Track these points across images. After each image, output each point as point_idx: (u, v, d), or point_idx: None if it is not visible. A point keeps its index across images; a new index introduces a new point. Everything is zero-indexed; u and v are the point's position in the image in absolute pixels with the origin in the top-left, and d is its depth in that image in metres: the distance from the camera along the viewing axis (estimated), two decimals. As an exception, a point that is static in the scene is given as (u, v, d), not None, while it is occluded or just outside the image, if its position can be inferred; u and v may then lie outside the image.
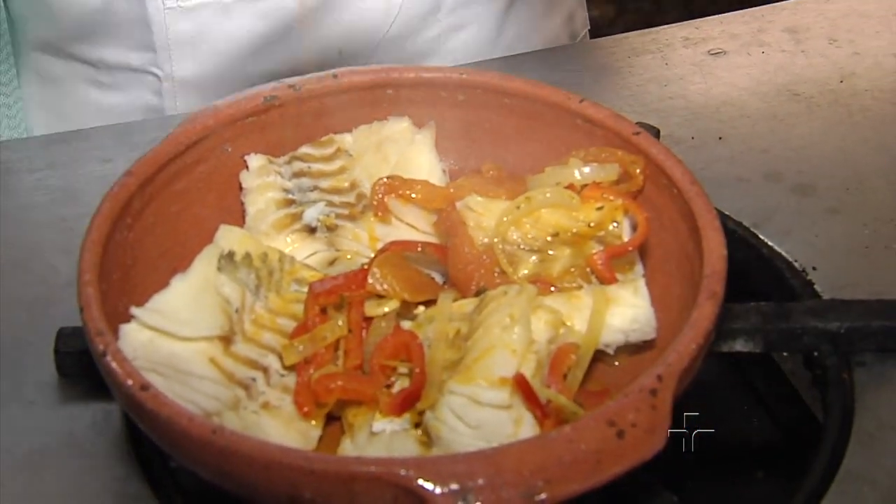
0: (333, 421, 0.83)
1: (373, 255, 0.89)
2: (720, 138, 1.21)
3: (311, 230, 0.94)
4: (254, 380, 0.82)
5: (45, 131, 1.35)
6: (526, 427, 0.76)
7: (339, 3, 1.29)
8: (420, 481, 0.65)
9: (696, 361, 0.75)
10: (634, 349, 0.86)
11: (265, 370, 0.83)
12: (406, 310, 0.87)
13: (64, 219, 1.11)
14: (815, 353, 0.92)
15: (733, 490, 0.97)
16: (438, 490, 0.65)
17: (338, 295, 0.85)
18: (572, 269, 0.88)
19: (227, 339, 0.82)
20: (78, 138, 1.24)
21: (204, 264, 0.85)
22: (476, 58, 1.39)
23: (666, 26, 1.42)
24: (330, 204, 0.95)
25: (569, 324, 0.83)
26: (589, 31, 1.62)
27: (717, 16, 1.44)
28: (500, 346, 0.78)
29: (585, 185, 0.91)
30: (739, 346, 0.91)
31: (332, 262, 0.93)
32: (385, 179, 0.94)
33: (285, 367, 0.83)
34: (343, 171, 0.97)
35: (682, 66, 1.34)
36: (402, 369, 0.82)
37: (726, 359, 0.96)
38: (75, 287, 0.79)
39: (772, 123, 1.23)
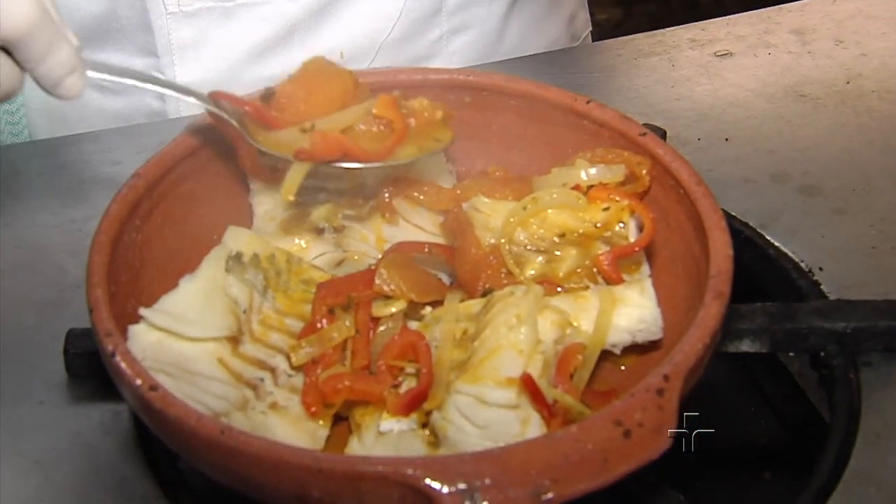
0: (341, 421, 0.84)
1: (380, 256, 0.90)
2: (727, 139, 1.21)
3: (319, 231, 0.94)
4: (262, 380, 0.83)
5: (47, 136, 1.36)
6: (533, 427, 0.76)
7: (340, 6, 1.30)
8: (427, 481, 0.65)
9: (703, 361, 0.75)
10: (641, 349, 0.86)
11: (273, 370, 0.84)
12: (413, 310, 0.87)
13: (72, 220, 1.11)
14: (822, 354, 0.92)
15: (740, 490, 0.97)
16: (446, 489, 0.65)
17: (345, 295, 0.85)
18: (579, 270, 0.89)
19: (235, 340, 0.83)
20: (86, 140, 1.25)
21: (212, 265, 0.86)
22: (478, 59, 1.39)
23: (672, 28, 1.43)
24: (337, 205, 0.95)
25: (575, 324, 0.83)
26: (595, 33, 1.62)
27: (723, 17, 1.44)
28: (507, 347, 0.78)
29: (592, 186, 0.91)
30: (746, 346, 0.91)
31: (339, 263, 0.94)
32: (392, 181, 0.94)
33: (293, 368, 0.84)
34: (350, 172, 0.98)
35: (688, 68, 1.34)
36: (410, 369, 0.82)
37: (733, 359, 0.96)
38: (84, 288, 0.79)
39: (778, 124, 1.23)
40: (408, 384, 0.81)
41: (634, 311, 0.84)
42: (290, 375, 0.84)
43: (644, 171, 0.91)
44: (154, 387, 0.73)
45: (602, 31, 1.67)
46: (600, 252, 0.89)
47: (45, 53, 0.81)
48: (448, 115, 0.94)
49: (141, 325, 0.81)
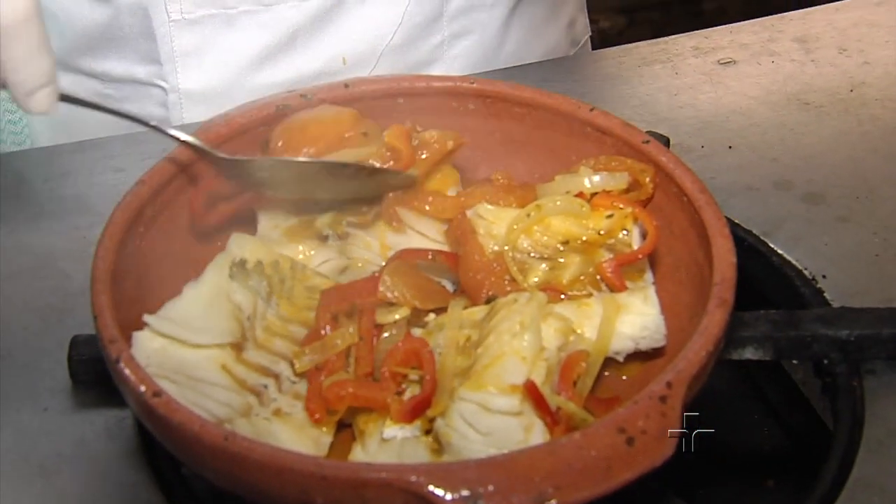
0: (344, 428, 0.84)
1: (384, 264, 0.90)
2: (730, 147, 1.21)
3: (323, 238, 0.94)
4: (265, 386, 0.83)
5: (49, 143, 1.36)
6: (536, 434, 0.76)
7: (342, 12, 1.30)
8: (431, 487, 0.65)
9: (706, 368, 0.75)
10: (644, 356, 0.86)
11: (277, 377, 0.84)
12: (417, 317, 0.87)
13: (77, 227, 1.12)
14: (825, 361, 0.92)
15: (743, 498, 0.97)
16: (449, 496, 0.65)
17: (349, 302, 0.85)
18: (582, 277, 0.89)
19: (238, 346, 0.83)
20: (91, 148, 1.25)
21: (216, 272, 0.86)
22: (479, 63, 1.40)
23: (675, 36, 1.43)
24: (341, 213, 0.95)
25: (579, 331, 0.83)
26: (598, 41, 1.62)
27: (726, 26, 1.44)
28: (511, 353, 0.78)
29: (595, 194, 0.91)
30: (749, 353, 0.91)
31: (343, 270, 0.94)
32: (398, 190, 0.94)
33: (297, 374, 0.84)
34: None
35: (691, 76, 1.34)
36: (413, 376, 0.82)
37: (736, 367, 0.96)
38: (89, 295, 0.80)
39: (782, 132, 1.23)
40: (411, 391, 0.82)
41: (638, 318, 0.84)
42: (293, 382, 0.84)
43: (648, 179, 0.91)
44: (158, 393, 0.73)
45: (605, 38, 1.67)
46: (604, 259, 0.89)
47: (27, 58, 0.80)
48: (458, 144, 0.95)
49: (145, 331, 0.81)
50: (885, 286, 1.01)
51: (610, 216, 0.89)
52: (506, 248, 0.89)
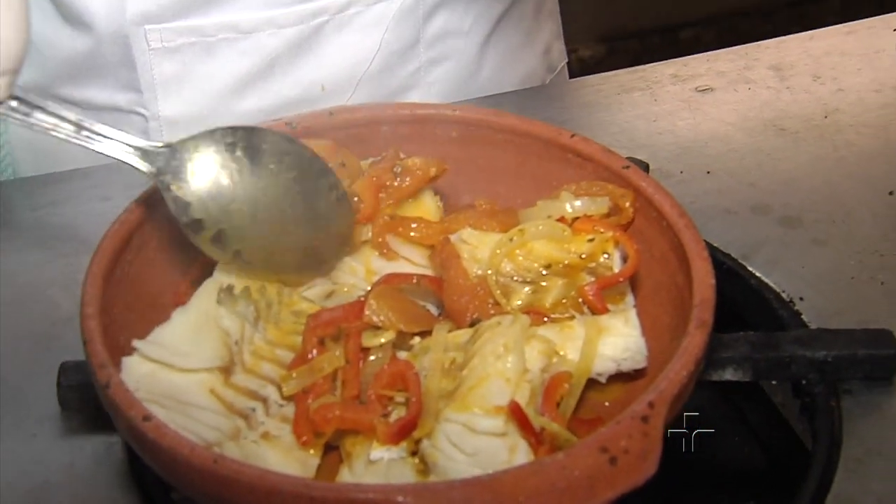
0: (332, 450, 0.84)
1: (369, 288, 0.91)
2: (708, 172, 1.23)
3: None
4: (253, 410, 0.84)
5: (33, 173, 1.36)
6: (520, 454, 0.77)
7: (320, 40, 1.31)
8: (418, 507, 0.66)
9: (687, 388, 0.76)
10: (626, 378, 0.87)
11: (264, 400, 0.84)
12: (402, 340, 0.88)
13: (64, 255, 1.13)
14: (803, 382, 0.93)
15: (724, 517, 0.98)
16: (436, 515, 0.66)
17: (335, 326, 0.86)
18: (564, 300, 0.90)
19: (227, 371, 0.84)
20: (78, 177, 1.26)
21: (204, 297, 0.87)
22: (456, 89, 1.41)
23: (654, 64, 1.45)
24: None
25: (562, 353, 0.84)
26: (578, 69, 1.64)
27: (703, 53, 1.46)
28: (495, 375, 0.79)
29: (577, 218, 0.93)
30: (729, 374, 0.92)
31: (329, 295, 0.95)
32: (385, 218, 0.95)
33: (284, 398, 0.85)
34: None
35: (670, 103, 1.36)
36: (399, 398, 0.83)
37: (716, 388, 0.97)
38: (77, 322, 0.80)
39: (758, 157, 1.25)
40: (397, 413, 0.82)
41: (619, 340, 0.85)
42: (281, 405, 0.85)
43: (628, 204, 0.92)
44: (147, 417, 0.74)
45: (585, 67, 1.69)
46: (585, 283, 0.90)
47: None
48: (441, 170, 0.96)
49: (134, 356, 0.82)
50: (861, 308, 1.02)
51: (591, 240, 0.91)
52: (489, 272, 0.90)
